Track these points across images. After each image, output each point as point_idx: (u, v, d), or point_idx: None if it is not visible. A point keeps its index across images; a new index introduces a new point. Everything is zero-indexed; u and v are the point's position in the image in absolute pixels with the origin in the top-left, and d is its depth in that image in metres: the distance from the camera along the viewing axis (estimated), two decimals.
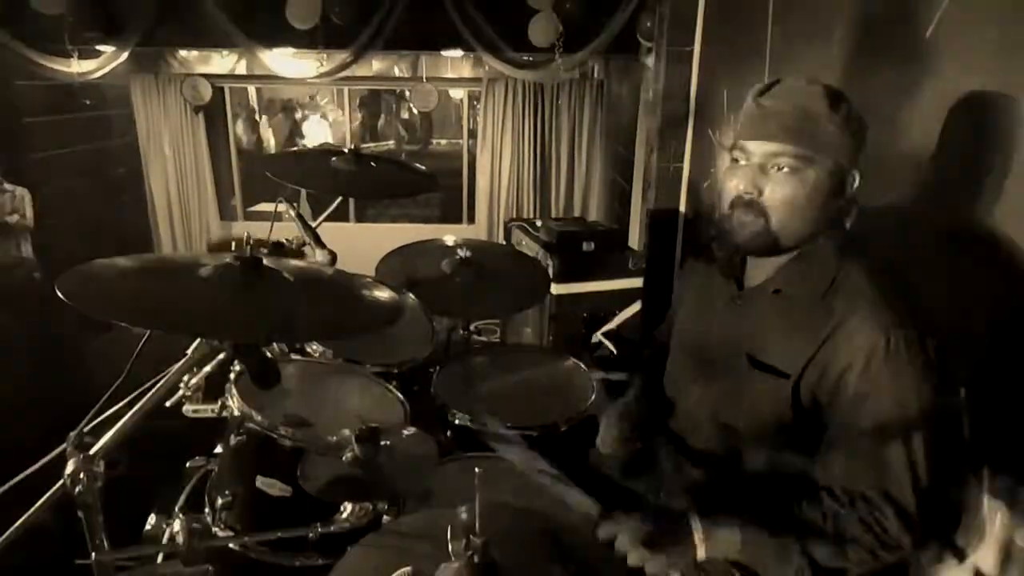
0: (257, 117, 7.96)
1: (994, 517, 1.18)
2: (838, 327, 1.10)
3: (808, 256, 1.17)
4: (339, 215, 5.63)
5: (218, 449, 1.62)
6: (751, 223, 1.14)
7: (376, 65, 5.78)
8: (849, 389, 1.09)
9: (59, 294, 0.95)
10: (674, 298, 1.56)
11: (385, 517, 1.44)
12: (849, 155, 1.13)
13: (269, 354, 1.54)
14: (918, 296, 1.15)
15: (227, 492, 1.44)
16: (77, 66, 4.53)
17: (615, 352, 3.48)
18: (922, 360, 1.06)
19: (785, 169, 1.11)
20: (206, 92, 5.46)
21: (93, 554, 1.10)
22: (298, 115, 8.14)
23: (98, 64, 4.61)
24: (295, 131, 8.01)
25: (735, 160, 1.18)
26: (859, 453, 1.09)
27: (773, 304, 1.20)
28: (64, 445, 1.06)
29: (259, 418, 1.44)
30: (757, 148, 1.14)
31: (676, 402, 1.41)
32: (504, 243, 4.49)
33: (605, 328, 3.63)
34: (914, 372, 1.05)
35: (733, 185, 1.16)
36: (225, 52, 5.42)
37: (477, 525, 0.89)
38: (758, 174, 1.13)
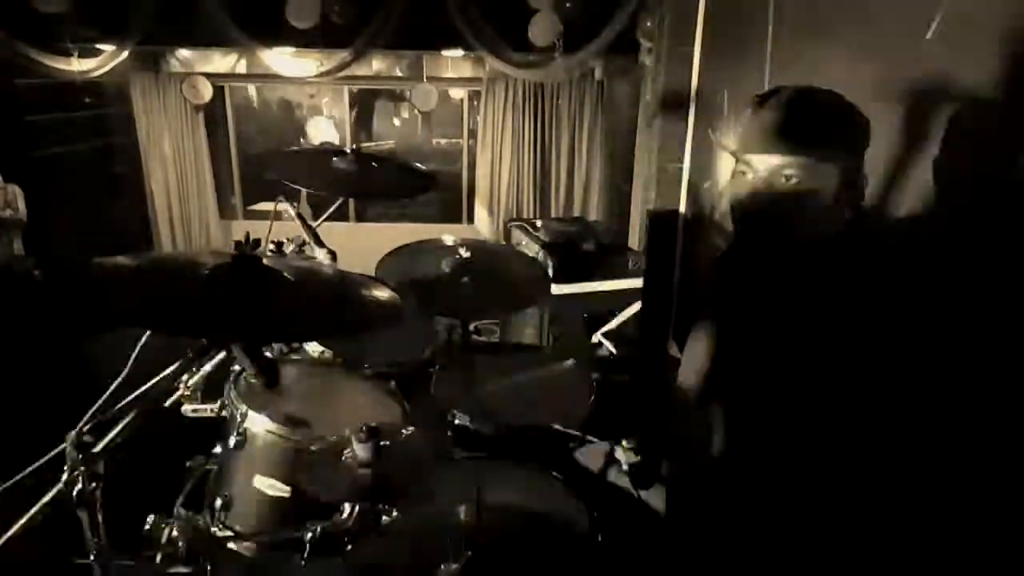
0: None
1: None
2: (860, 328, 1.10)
3: (826, 259, 1.16)
4: (339, 215, 5.61)
5: (218, 449, 1.62)
6: (764, 235, 1.14)
7: (376, 64, 5.78)
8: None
9: (59, 294, 0.95)
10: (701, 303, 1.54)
11: (385, 517, 1.44)
12: (857, 157, 1.12)
13: (269, 354, 1.54)
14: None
15: (226, 492, 1.44)
16: (77, 64, 4.53)
17: (615, 352, 3.48)
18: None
19: (794, 180, 1.09)
20: (206, 91, 5.46)
21: (93, 554, 1.10)
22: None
23: (98, 63, 4.60)
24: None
25: (742, 172, 1.16)
26: None
27: (785, 307, 1.19)
28: (64, 445, 1.06)
29: (259, 418, 1.44)
30: (763, 162, 1.11)
31: (694, 406, 1.40)
32: (504, 243, 4.49)
33: (605, 328, 3.63)
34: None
35: (742, 199, 1.15)
36: (225, 51, 5.42)
37: (477, 525, 0.89)
38: (767, 187, 1.11)
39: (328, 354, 1.84)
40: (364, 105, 8.33)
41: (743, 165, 1.15)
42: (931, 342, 1.08)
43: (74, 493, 1.04)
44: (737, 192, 1.16)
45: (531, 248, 3.94)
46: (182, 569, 1.29)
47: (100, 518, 1.09)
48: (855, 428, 1.11)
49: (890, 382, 1.07)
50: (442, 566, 0.93)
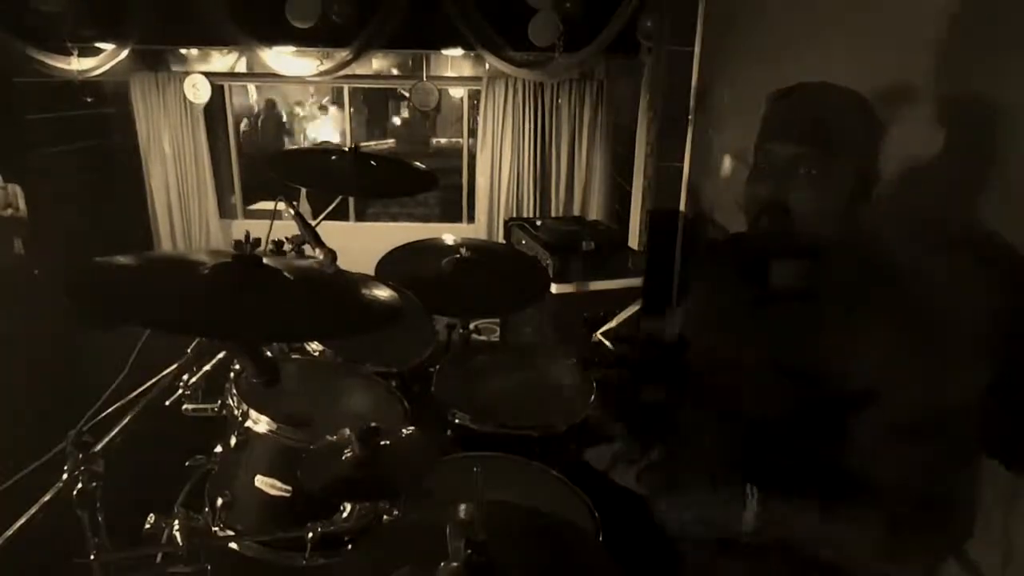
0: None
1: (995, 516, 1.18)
2: (863, 325, 1.10)
3: (833, 256, 1.16)
4: (339, 214, 5.63)
5: (218, 449, 1.62)
6: (780, 228, 1.14)
7: (376, 63, 5.78)
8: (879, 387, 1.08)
9: (59, 293, 0.95)
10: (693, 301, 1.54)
11: (385, 517, 1.44)
12: (871, 154, 1.13)
13: (269, 353, 1.54)
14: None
15: (227, 492, 1.44)
16: (77, 64, 4.53)
17: (615, 352, 3.48)
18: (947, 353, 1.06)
19: (812, 172, 1.10)
20: (206, 90, 5.46)
21: (93, 554, 1.10)
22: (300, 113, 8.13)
23: (98, 62, 4.60)
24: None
25: (758, 166, 1.17)
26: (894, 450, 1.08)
27: (798, 306, 1.19)
28: (64, 444, 1.06)
29: (259, 418, 1.44)
30: (781, 152, 1.13)
31: (697, 408, 1.39)
32: (504, 242, 4.49)
33: (605, 328, 3.63)
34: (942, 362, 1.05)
35: (760, 191, 1.16)
36: (225, 50, 5.42)
37: (477, 524, 0.89)
38: (784, 179, 1.12)
39: (328, 354, 1.84)
40: (364, 104, 8.34)
41: (761, 157, 1.16)
42: (929, 342, 1.08)
43: (74, 493, 1.04)
44: (755, 184, 1.17)
45: (531, 247, 3.94)
46: (182, 569, 1.29)
47: (100, 518, 1.09)
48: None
49: (892, 379, 1.07)
50: (442, 565, 0.92)
